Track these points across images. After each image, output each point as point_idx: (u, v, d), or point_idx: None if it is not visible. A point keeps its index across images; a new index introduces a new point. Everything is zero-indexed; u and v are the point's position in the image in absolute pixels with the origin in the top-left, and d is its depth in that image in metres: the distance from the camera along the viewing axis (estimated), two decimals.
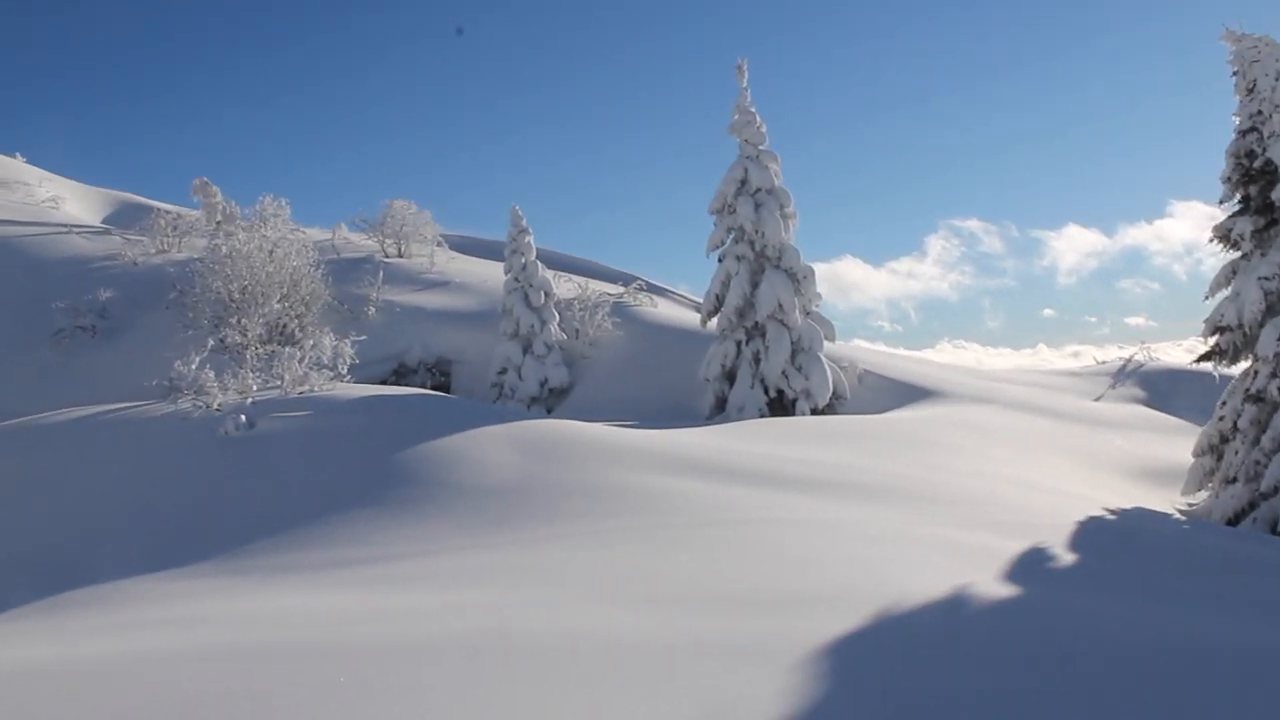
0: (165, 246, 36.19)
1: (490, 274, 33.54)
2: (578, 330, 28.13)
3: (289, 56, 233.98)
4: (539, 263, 27.81)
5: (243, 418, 15.66)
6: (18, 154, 54.87)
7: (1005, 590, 7.62)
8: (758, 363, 24.33)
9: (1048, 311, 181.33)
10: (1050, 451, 21.22)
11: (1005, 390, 27.51)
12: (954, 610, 6.94)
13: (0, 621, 9.46)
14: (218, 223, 37.19)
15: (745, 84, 25.64)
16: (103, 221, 45.68)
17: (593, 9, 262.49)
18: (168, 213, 39.46)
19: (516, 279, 27.42)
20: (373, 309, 29.49)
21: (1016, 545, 9.58)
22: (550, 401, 26.71)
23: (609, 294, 30.71)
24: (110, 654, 6.43)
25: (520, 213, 28.11)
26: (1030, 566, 8.90)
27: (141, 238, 36.85)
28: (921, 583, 7.47)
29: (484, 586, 8.09)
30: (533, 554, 9.54)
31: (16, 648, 7.59)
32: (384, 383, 25.74)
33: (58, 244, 36.75)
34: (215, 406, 16.49)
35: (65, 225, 40.26)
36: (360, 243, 38.52)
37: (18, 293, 31.72)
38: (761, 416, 23.25)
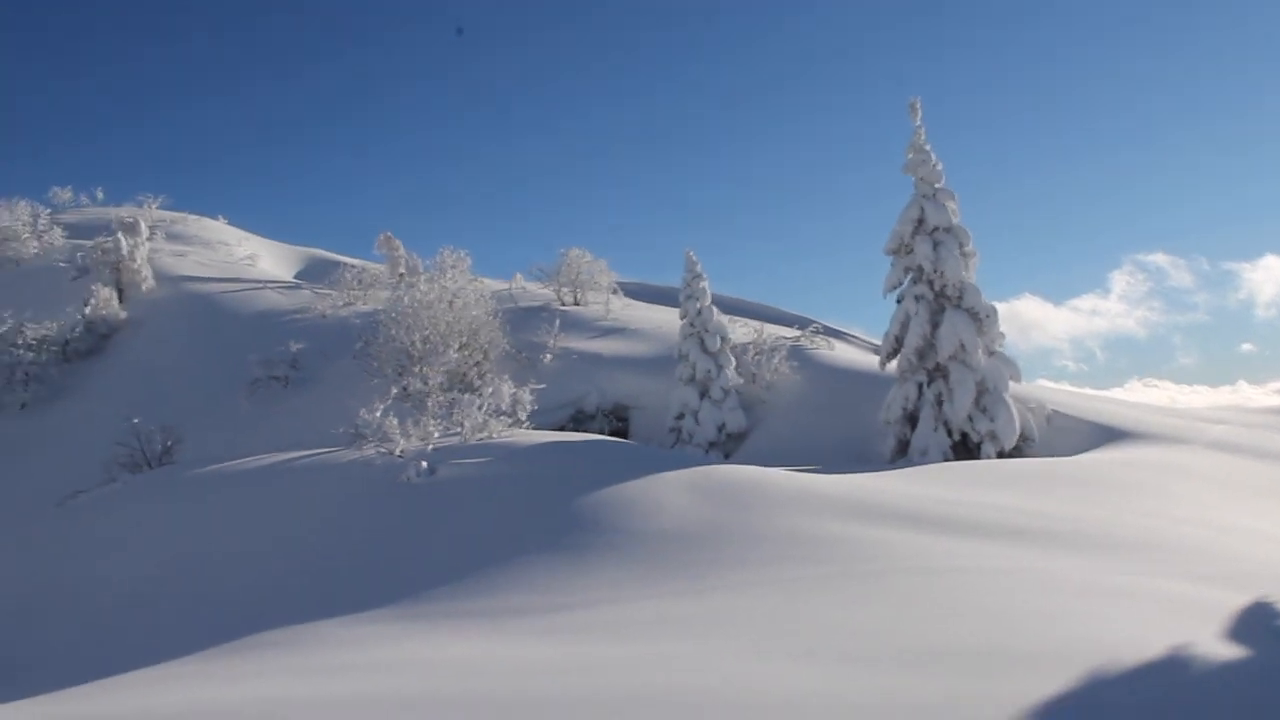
0: (351, 299, 37.54)
1: (665, 320, 33.58)
2: (754, 374, 27.80)
3: (470, 119, 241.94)
4: (714, 307, 27.64)
5: (424, 464, 15.91)
6: (220, 216, 58.28)
7: (1230, 651, 6.96)
8: (940, 405, 23.54)
9: (1247, 346, 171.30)
10: (1261, 495, 19.84)
11: (1206, 430, 25.92)
12: (1172, 673, 6.36)
13: (196, 660, 9.72)
14: (400, 275, 38.47)
15: (919, 122, 25.04)
16: (294, 276, 47.85)
17: (765, 62, 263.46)
18: (354, 267, 41.04)
19: (692, 324, 27.31)
20: (550, 356, 29.82)
21: (1240, 599, 8.79)
22: (728, 446, 26.42)
23: (785, 337, 30.28)
24: (293, 699, 6.46)
25: (694, 258, 28.06)
26: (1257, 624, 8.12)
27: (330, 291, 38.34)
28: (1133, 641, 6.89)
29: (662, 638, 7.87)
30: (712, 603, 9.30)
31: (209, 688, 7.74)
32: (562, 429, 25.91)
33: (254, 299, 38.56)
34: (398, 453, 16.81)
35: (261, 281, 42.31)
36: (537, 291, 39.17)
37: (219, 345, 33.40)
38: (945, 460, 22.42)
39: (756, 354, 28.26)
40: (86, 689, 8.83)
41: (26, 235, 46.33)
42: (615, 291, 38.21)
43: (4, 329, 32.80)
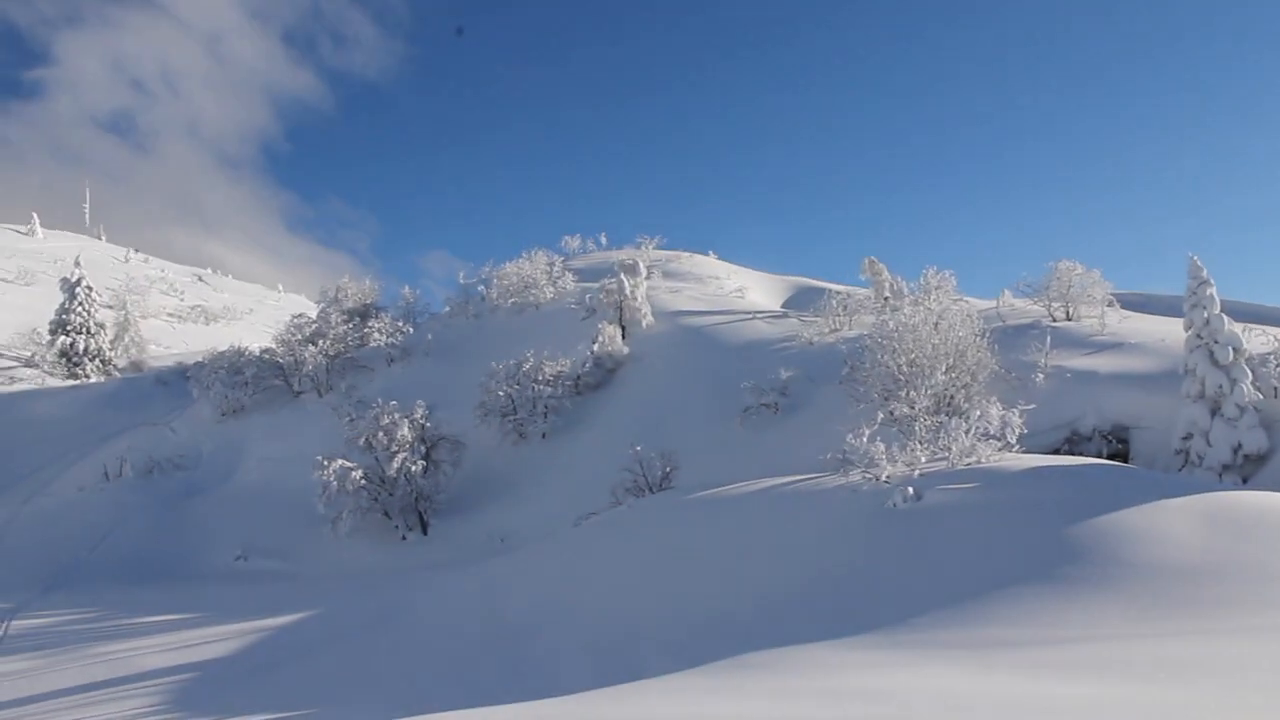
0: (837, 325, 38.01)
1: (1168, 332, 31.06)
2: (1276, 389, 24.99)
3: (951, 136, 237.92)
4: (1224, 316, 25.21)
5: (910, 490, 15.76)
6: (710, 252, 61.27)
7: None
8: None
9: None
10: None
11: None
12: None
13: (691, 675, 10.22)
14: (885, 299, 38.46)
15: None
16: (781, 306, 49.24)
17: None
18: (838, 293, 41.55)
19: (1199, 335, 25.08)
20: (1041, 375, 28.50)
21: None
22: (1245, 470, 23.91)
23: None
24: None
25: (1199, 264, 25.75)
26: None
27: (816, 318, 39.08)
28: None
29: (1158, 682, 7.25)
30: (1219, 648, 8.43)
31: (705, 702, 8.11)
32: (1054, 452, 24.66)
33: (743, 329, 40.13)
34: (884, 479, 16.78)
35: (750, 312, 43.94)
36: (1025, 308, 37.64)
37: (712, 374, 35.07)
38: None
39: (1278, 365, 25.42)
40: (592, 696, 9.55)
41: (544, 281, 51.19)
42: (1111, 304, 35.88)
43: (528, 366, 36.36)
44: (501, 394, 35.99)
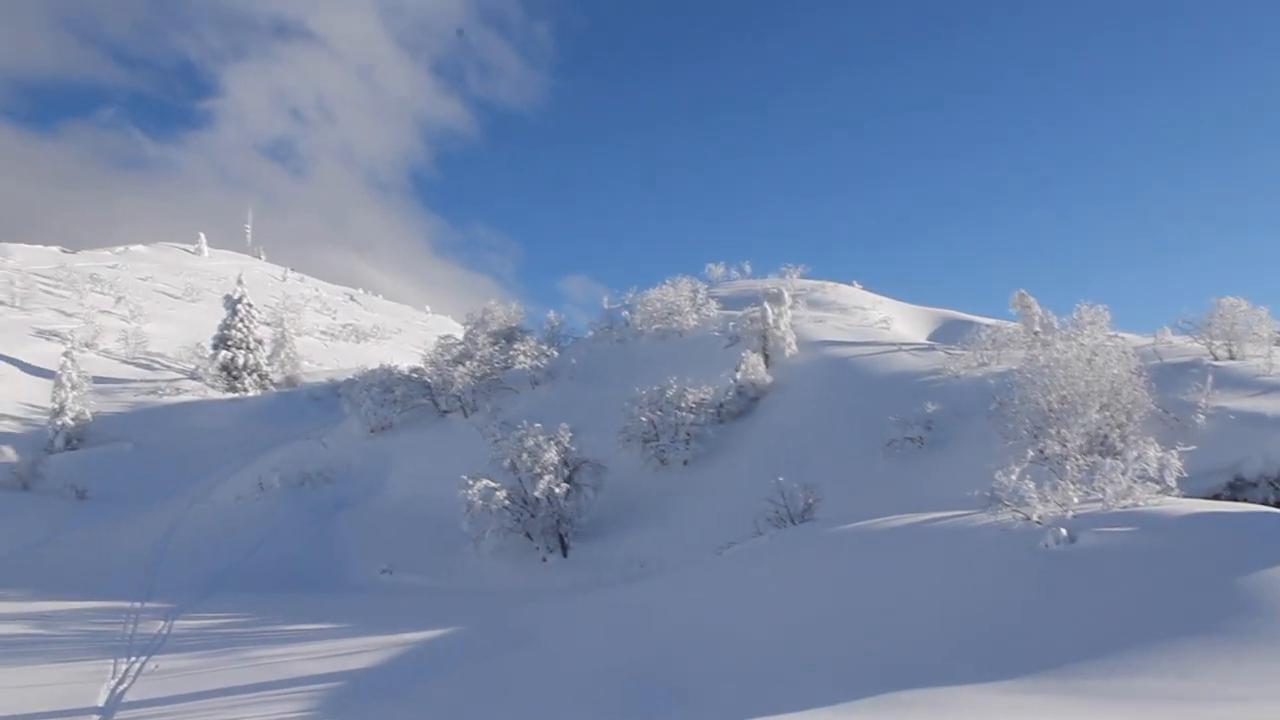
0: (985, 359, 37.25)
1: None
2: None
3: (1108, 164, 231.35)
4: None
5: (1063, 531, 15.34)
6: (855, 282, 60.71)
7: None
8: None
9: None
10: None
11: None
12: None
13: (840, 711, 10.12)
14: (1035, 333, 37.55)
15: None
16: (928, 338, 48.50)
17: None
18: (987, 326, 40.75)
19: None
20: (1201, 416, 27.40)
21: None
22: None
23: None
24: None
25: None
26: None
27: (963, 351, 38.39)
28: None
29: None
30: None
31: None
32: (1215, 498, 23.65)
33: (889, 361, 39.64)
34: (1035, 519, 16.35)
35: (895, 344, 43.38)
36: (1185, 346, 36.28)
37: (854, 406, 34.75)
38: None
39: None
40: None
41: (688, 308, 51.43)
42: (1279, 343, 34.36)
43: (671, 393, 36.55)
44: (644, 419, 36.28)
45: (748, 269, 63.09)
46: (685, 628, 17.02)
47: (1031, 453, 21.66)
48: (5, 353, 71.58)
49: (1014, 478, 17.29)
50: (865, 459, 30.85)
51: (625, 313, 55.18)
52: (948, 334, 47.38)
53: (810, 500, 25.79)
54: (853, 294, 58.12)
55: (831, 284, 59.83)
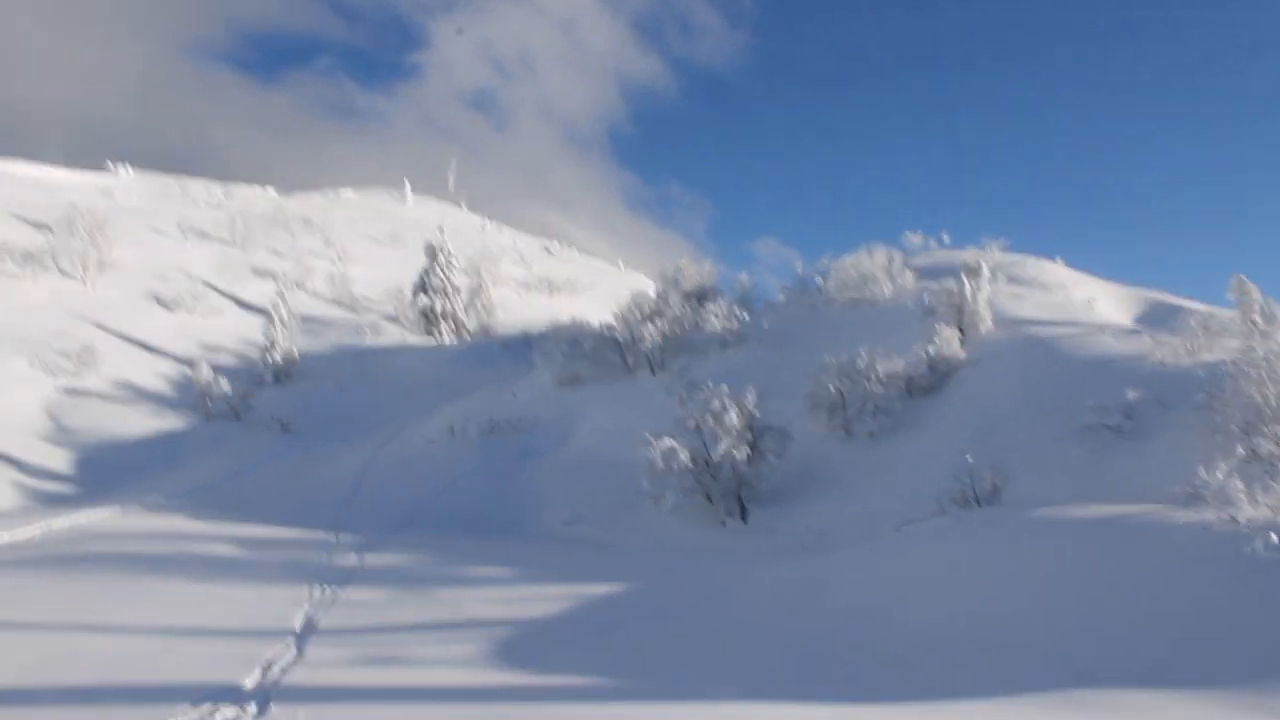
0: (1194, 347, 35.45)
1: None
2: None
3: None
4: None
5: (1273, 536, 14.59)
6: (1058, 258, 58.43)
7: None
8: None
9: None
10: None
11: None
12: None
13: (1017, 702, 9.97)
14: (1253, 322, 35.59)
15: None
16: (1133, 321, 46.43)
17: None
18: (1198, 313, 38.80)
19: None
20: None
21: None
22: None
23: None
24: None
25: None
26: None
27: (1171, 338, 36.61)
28: None
29: None
30: None
31: None
32: None
33: (1089, 343, 38.20)
34: (1242, 521, 15.61)
35: (1096, 325, 41.70)
36: None
37: (1049, 389, 33.65)
38: None
39: None
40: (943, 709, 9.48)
41: (882, 278, 50.60)
42: None
43: (862, 363, 36.07)
44: (832, 389, 35.97)
45: (945, 239, 61.68)
46: (862, 605, 16.94)
47: (1242, 450, 20.67)
48: (225, 288, 75.95)
49: (1221, 475, 16.55)
50: (1058, 444, 29.85)
51: (818, 278, 54.66)
52: (1155, 318, 45.31)
53: (997, 482, 25.18)
54: (1055, 271, 56.02)
55: (1033, 260, 57.75)
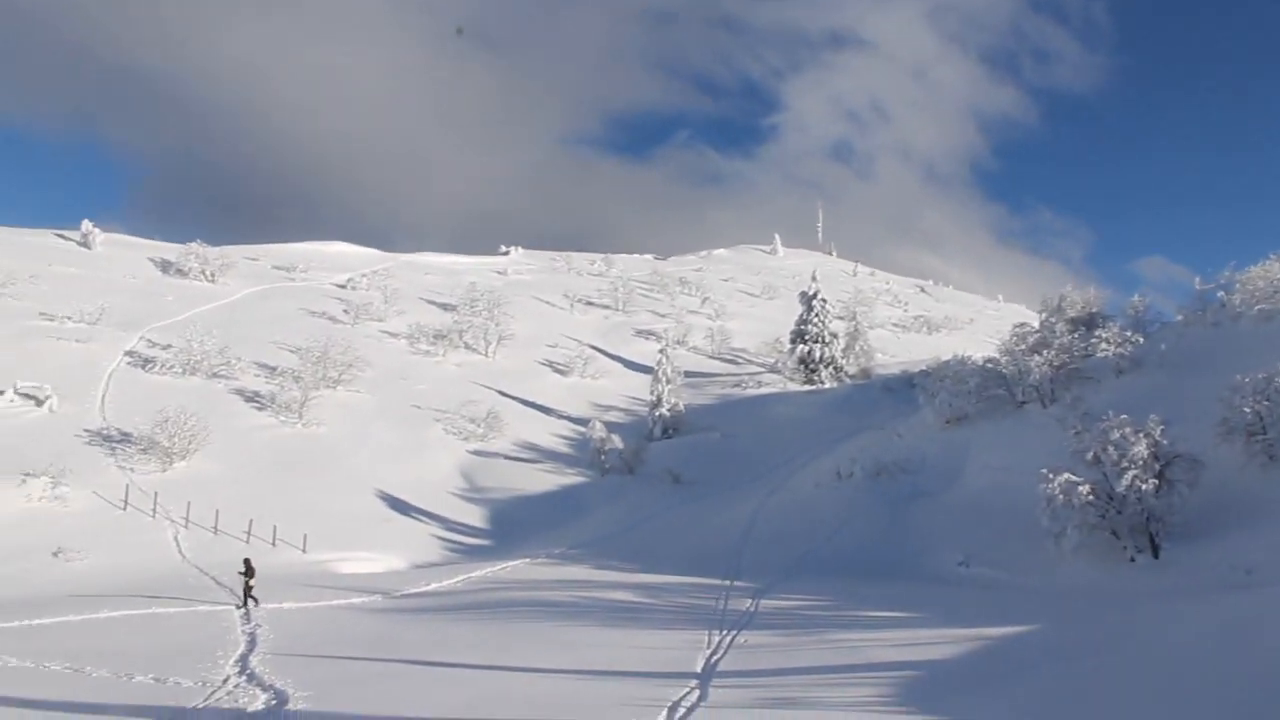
0: None
1: None
2: None
3: None
4: None
5: None
6: None
7: None
8: None
9: None
10: None
11: None
12: None
13: None
14: None
15: None
16: None
17: None
18: None
19: None
20: None
21: None
22: None
23: None
24: None
25: None
26: None
27: None
28: None
29: None
30: None
31: None
32: None
33: None
34: None
35: None
36: None
37: None
38: None
39: None
40: None
41: None
42: None
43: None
44: (1248, 410, 33.02)
45: None
46: None
47: None
48: (611, 350, 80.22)
49: None
50: None
51: (1220, 293, 50.59)
52: None
53: None
54: None
55: None
